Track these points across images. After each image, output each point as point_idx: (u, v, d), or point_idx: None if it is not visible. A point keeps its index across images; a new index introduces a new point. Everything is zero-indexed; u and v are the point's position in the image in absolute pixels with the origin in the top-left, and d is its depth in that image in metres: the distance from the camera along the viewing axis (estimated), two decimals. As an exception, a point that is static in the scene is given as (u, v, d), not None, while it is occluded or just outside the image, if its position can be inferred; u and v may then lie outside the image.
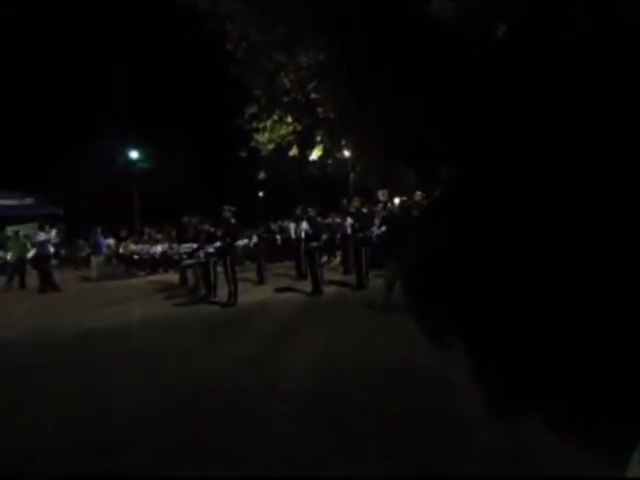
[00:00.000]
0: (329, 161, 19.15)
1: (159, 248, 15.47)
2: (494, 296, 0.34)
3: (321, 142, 18.26)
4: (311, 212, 9.60)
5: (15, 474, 2.81)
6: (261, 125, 18.24)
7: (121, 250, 17.79)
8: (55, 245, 12.81)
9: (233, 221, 8.84)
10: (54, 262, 12.79)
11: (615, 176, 0.32)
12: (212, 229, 9.24)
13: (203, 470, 2.78)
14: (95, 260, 14.65)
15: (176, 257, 12.00)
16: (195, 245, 9.65)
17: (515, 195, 0.34)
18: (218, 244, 8.69)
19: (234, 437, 3.14)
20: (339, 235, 11.55)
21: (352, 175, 19.40)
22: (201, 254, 9.22)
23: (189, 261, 10.15)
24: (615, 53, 0.38)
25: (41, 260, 12.09)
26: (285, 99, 17.76)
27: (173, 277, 12.72)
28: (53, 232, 12.56)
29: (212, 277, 9.12)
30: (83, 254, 17.98)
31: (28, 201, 22.49)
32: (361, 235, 9.04)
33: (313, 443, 2.97)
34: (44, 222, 13.06)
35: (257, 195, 33.92)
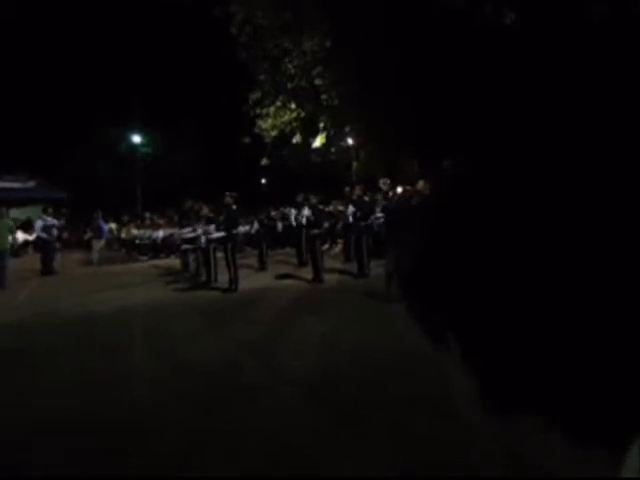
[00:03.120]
0: (332, 149, 19.06)
1: (161, 233, 15.50)
2: (493, 292, 0.32)
3: (324, 129, 18.14)
4: (313, 199, 9.57)
5: (13, 466, 2.79)
6: (264, 111, 18.11)
7: (123, 235, 17.83)
8: (58, 229, 12.82)
9: (234, 207, 8.82)
10: (57, 246, 12.83)
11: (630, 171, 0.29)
12: (211, 214, 9.25)
13: (215, 463, 2.73)
14: (96, 244, 14.67)
15: (177, 242, 12.04)
16: (194, 230, 9.68)
17: (519, 190, 0.32)
18: (216, 234, 8.69)
19: (245, 425, 3.14)
20: (341, 223, 11.54)
21: (355, 163, 19.32)
22: (202, 239, 9.23)
23: (188, 246, 10.21)
24: (630, 43, 0.36)
25: (45, 244, 12.13)
26: (289, 85, 17.60)
27: (174, 262, 12.75)
28: (40, 221, 12.31)
29: (212, 263, 9.14)
30: (85, 238, 18.02)
31: (31, 184, 22.53)
32: (362, 223, 9.02)
33: (322, 433, 2.97)
34: (48, 206, 13.10)
35: (259, 181, 33.86)
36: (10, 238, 10.27)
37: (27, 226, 18.30)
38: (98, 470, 2.66)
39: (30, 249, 16.60)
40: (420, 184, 8.66)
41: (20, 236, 18.68)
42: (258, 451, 2.80)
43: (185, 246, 10.49)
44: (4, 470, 2.73)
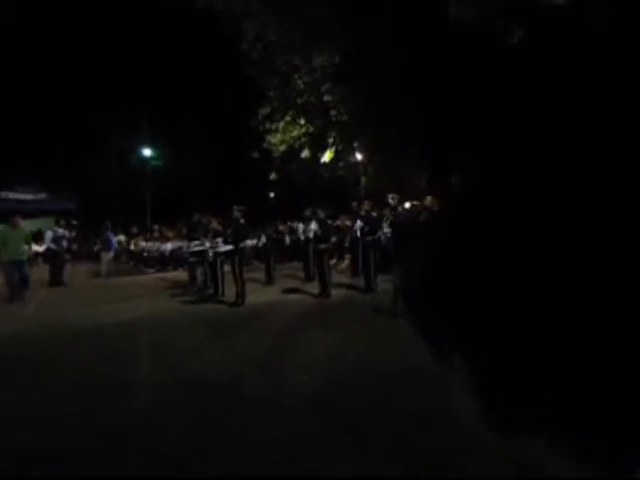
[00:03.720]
0: (340, 164, 19.16)
1: (169, 246, 15.59)
2: (496, 310, 0.32)
3: (333, 144, 18.26)
4: (320, 214, 9.59)
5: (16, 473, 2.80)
6: (274, 126, 18.29)
7: (131, 247, 17.94)
8: (68, 240, 12.91)
9: (242, 221, 8.86)
10: (67, 257, 12.93)
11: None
12: (219, 227, 9.30)
13: (214, 471, 2.73)
14: (105, 256, 14.77)
15: (185, 255, 12.11)
16: (201, 243, 9.73)
17: (522, 206, 0.33)
18: (224, 247, 8.73)
19: (246, 436, 3.12)
20: (349, 238, 11.55)
21: (363, 178, 19.39)
22: (210, 253, 9.27)
23: (195, 258, 10.30)
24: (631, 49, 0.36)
25: (54, 255, 12.22)
26: (298, 101, 17.78)
27: (182, 275, 12.79)
28: (50, 233, 12.34)
29: (219, 276, 9.16)
30: (94, 250, 18.12)
31: (42, 196, 22.81)
32: (370, 238, 9.02)
33: (322, 444, 2.95)
34: (60, 217, 13.27)
35: (268, 196, 34.10)
36: (26, 248, 9.99)
37: (38, 237, 18.53)
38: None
39: (40, 260, 16.73)
40: (428, 199, 8.67)
41: (31, 247, 18.94)
42: (260, 459, 2.79)
43: (192, 259, 10.56)
44: (4, 470, 2.74)
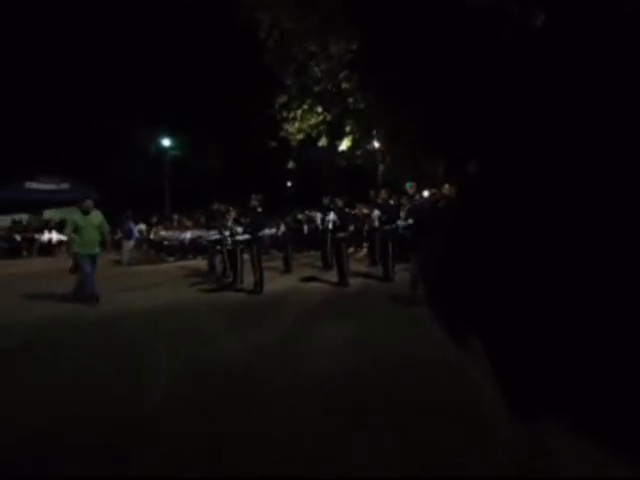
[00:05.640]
0: (358, 152, 19.05)
1: (188, 234, 15.78)
2: (514, 297, 0.33)
3: (351, 133, 18.15)
4: (339, 203, 9.58)
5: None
6: (291, 115, 18.24)
7: (152, 236, 18.18)
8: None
9: (260, 210, 8.90)
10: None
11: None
12: (237, 216, 9.36)
13: (221, 467, 2.72)
14: (126, 245, 15.01)
15: (204, 244, 12.24)
16: (219, 232, 9.82)
17: (538, 193, 0.33)
18: (242, 236, 8.80)
19: (256, 428, 3.15)
20: (367, 226, 11.53)
21: (381, 166, 19.27)
22: (229, 241, 9.35)
23: (212, 247, 10.47)
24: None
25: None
26: (315, 88, 17.68)
27: (201, 263, 12.94)
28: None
29: (238, 264, 9.25)
30: (115, 238, 18.39)
31: (65, 185, 23.19)
32: (388, 227, 8.98)
33: (335, 439, 2.96)
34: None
35: (285, 184, 34.12)
36: (99, 238, 8.11)
37: (61, 227, 18.93)
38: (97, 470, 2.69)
39: (64, 249, 17.07)
40: (446, 188, 8.59)
41: (54, 236, 19.37)
42: (261, 454, 2.80)
43: (210, 248, 10.71)
44: (4, 469, 2.77)
